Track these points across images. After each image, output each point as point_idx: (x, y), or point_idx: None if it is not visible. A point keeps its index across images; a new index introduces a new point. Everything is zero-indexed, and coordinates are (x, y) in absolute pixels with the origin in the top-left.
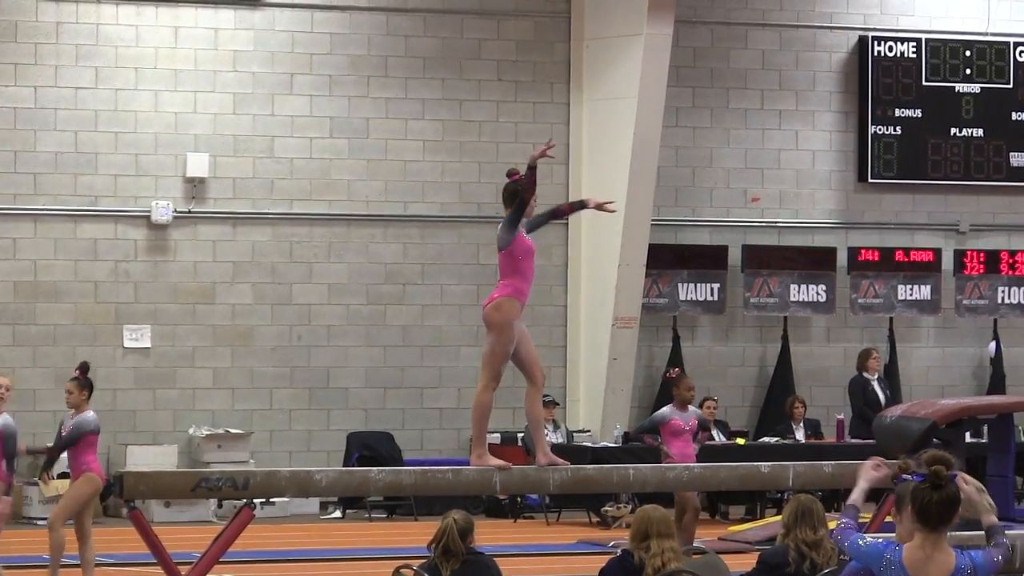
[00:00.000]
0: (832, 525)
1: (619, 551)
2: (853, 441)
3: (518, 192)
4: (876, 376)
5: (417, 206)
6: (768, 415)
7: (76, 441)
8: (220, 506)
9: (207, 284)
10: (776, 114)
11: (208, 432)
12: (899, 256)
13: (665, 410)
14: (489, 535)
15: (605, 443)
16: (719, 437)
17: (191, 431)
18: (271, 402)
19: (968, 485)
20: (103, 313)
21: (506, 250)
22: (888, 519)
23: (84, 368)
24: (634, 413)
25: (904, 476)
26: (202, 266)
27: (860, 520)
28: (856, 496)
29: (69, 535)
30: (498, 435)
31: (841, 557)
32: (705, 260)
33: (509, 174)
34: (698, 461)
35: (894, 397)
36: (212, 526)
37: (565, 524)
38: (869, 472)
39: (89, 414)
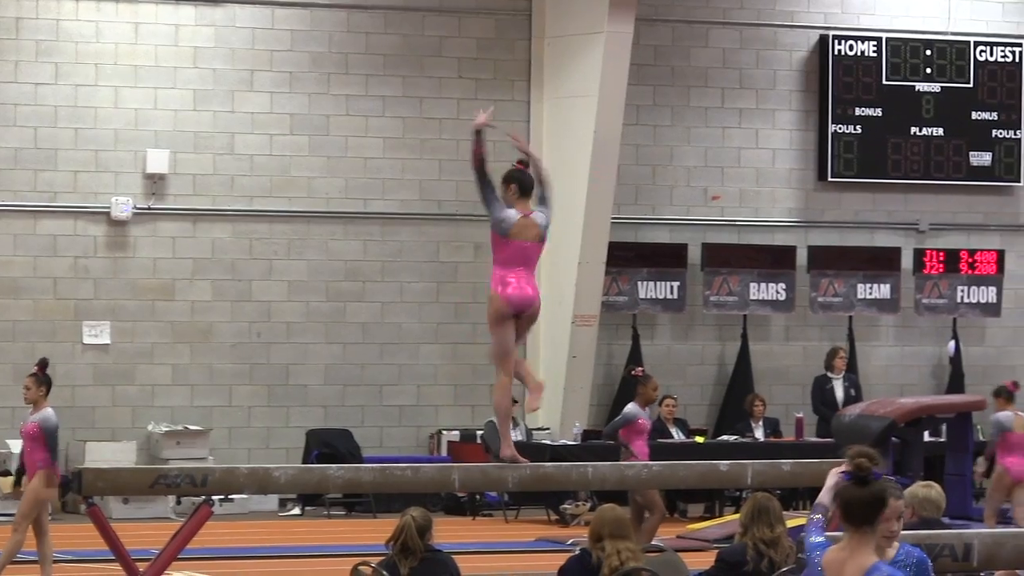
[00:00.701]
0: (790, 524)
1: (578, 549)
2: (812, 440)
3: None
4: (841, 375)
5: (377, 203)
6: (727, 413)
7: (56, 444)
8: (179, 503)
9: (167, 281)
10: (736, 113)
11: (167, 429)
12: (859, 255)
13: (635, 409)
14: (448, 533)
15: (564, 441)
16: (678, 435)
17: (150, 427)
18: (230, 399)
19: None
20: (62, 309)
21: (543, 243)
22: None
23: (43, 364)
24: (593, 411)
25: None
26: (162, 263)
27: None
28: (823, 495)
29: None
30: (457, 432)
31: (799, 555)
32: (665, 258)
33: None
34: (651, 459)
35: (857, 396)
36: (170, 523)
37: (524, 522)
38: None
39: (48, 411)
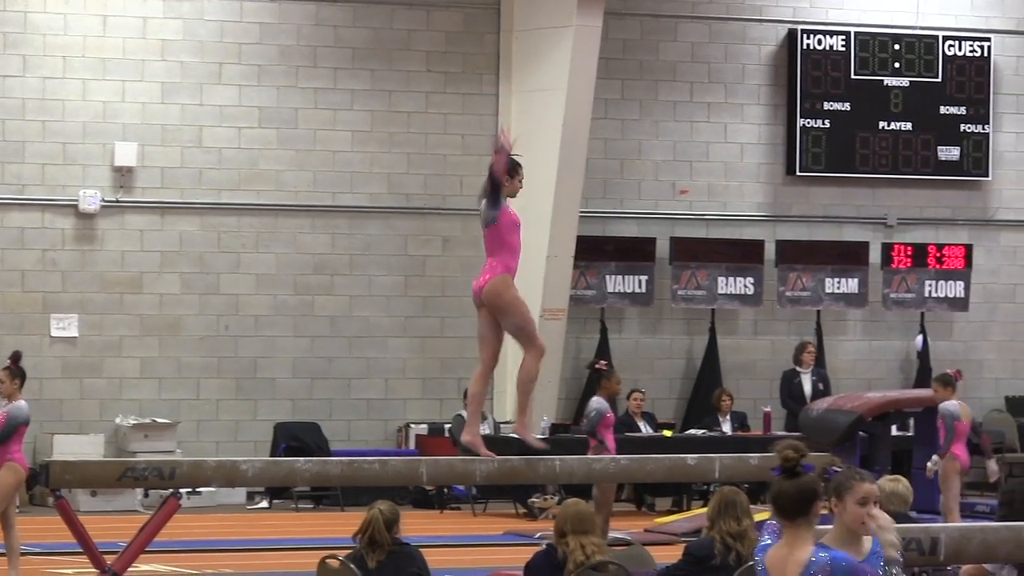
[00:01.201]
0: (757, 518)
1: (544, 544)
2: (780, 434)
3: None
4: (809, 370)
5: (345, 197)
6: (695, 407)
7: (11, 434)
8: (146, 496)
9: (135, 274)
10: (705, 107)
11: (135, 421)
12: (827, 249)
13: (604, 403)
14: (415, 526)
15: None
16: (646, 429)
17: (118, 420)
18: (198, 392)
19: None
20: (30, 302)
21: (493, 226)
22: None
23: (16, 357)
24: (561, 405)
25: (834, 469)
26: (130, 255)
27: None
28: None
29: None
30: (425, 426)
31: None
32: (633, 252)
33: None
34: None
35: (825, 390)
36: (138, 515)
37: (492, 515)
38: None
39: (21, 403)
